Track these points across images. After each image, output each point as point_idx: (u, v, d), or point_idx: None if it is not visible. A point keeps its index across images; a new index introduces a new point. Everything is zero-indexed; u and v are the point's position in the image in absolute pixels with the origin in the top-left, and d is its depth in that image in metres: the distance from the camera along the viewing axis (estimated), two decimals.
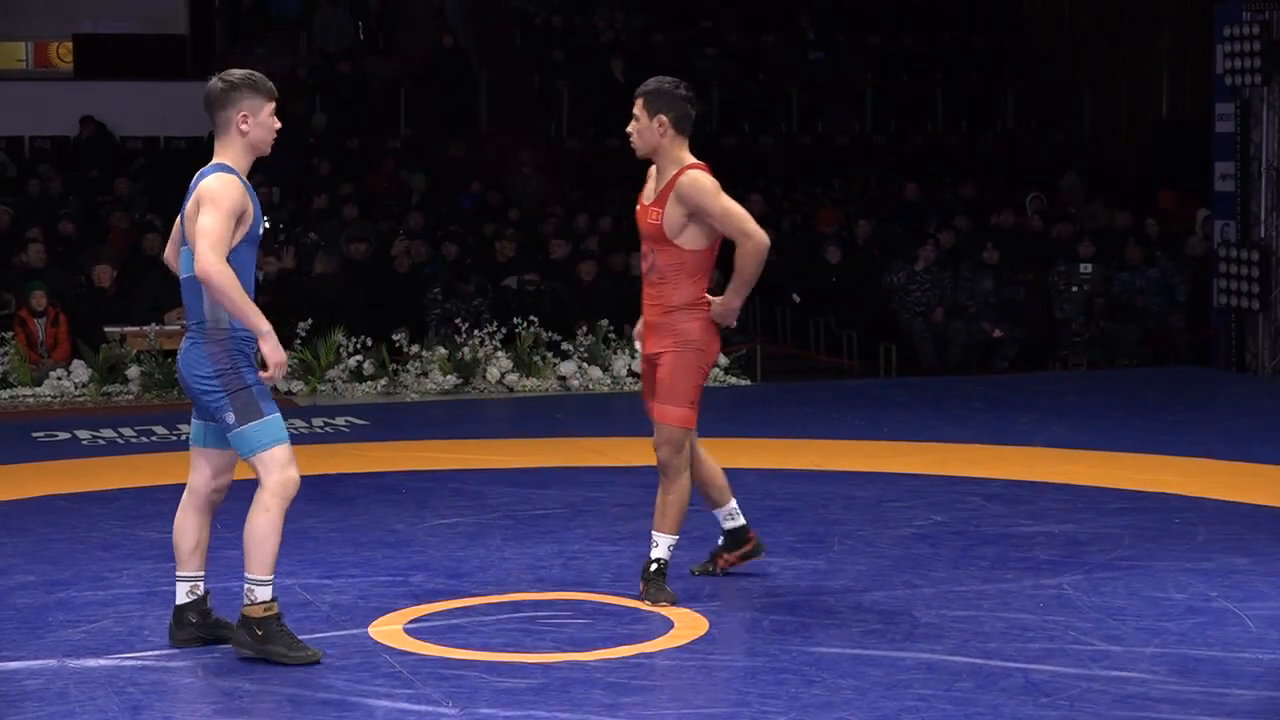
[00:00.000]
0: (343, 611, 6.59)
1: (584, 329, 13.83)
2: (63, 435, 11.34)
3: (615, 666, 5.91)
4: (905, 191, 18.59)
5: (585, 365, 13.68)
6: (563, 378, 13.59)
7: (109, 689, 5.70)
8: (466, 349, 13.49)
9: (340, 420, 11.90)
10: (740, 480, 9.37)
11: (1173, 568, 7.29)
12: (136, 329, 13.29)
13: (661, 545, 6.81)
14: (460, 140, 19.91)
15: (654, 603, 6.74)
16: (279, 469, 5.86)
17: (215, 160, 5.96)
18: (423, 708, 5.51)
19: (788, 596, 6.88)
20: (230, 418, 5.85)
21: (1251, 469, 9.71)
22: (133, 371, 12.99)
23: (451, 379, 13.34)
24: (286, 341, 12.30)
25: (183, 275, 5.96)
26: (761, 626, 6.45)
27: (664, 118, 6.72)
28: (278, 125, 6.03)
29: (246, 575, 5.89)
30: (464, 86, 20.25)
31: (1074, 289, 15.53)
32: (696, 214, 6.66)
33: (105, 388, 13.01)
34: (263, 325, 5.79)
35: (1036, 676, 5.77)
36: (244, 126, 5.94)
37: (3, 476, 9.80)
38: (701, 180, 6.68)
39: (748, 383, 14.04)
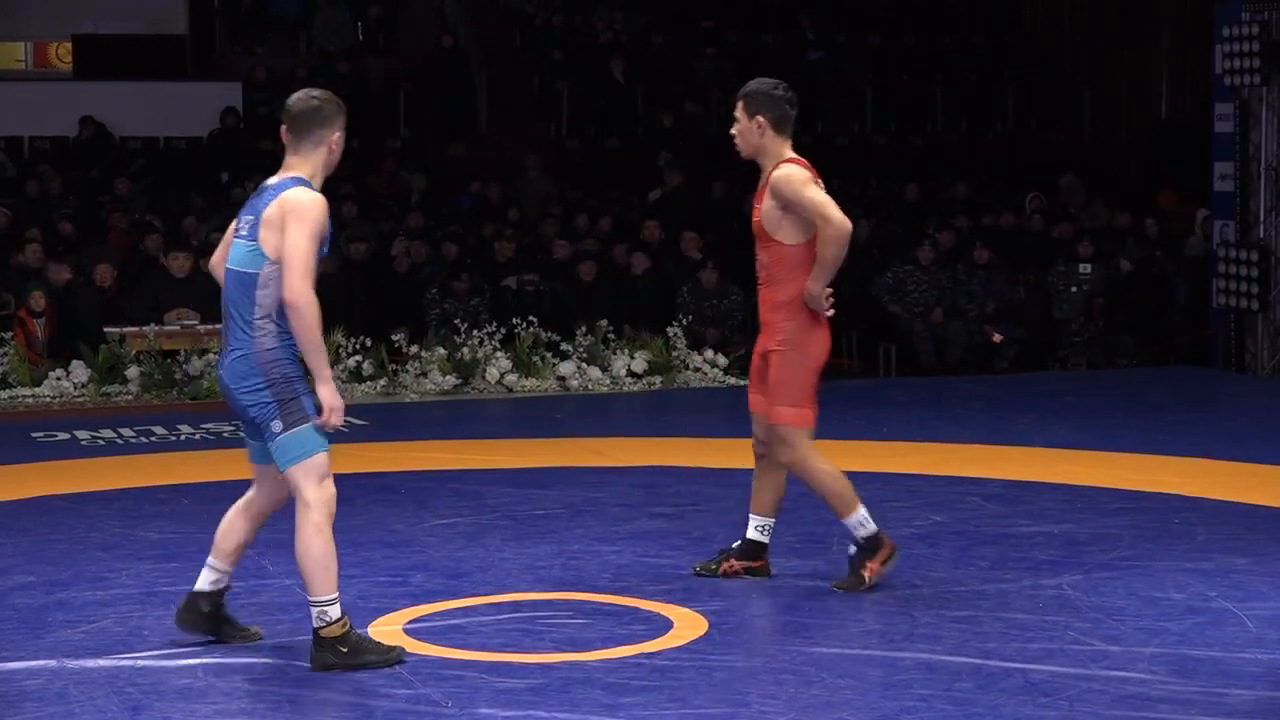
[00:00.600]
0: None
1: (583, 329, 13.83)
2: (62, 435, 11.34)
3: (615, 666, 5.91)
4: (905, 192, 18.59)
5: (584, 365, 13.68)
6: (562, 378, 13.58)
7: (109, 689, 5.70)
8: (466, 349, 13.49)
9: None
10: (741, 480, 9.38)
11: (1172, 568, 7.29)
12: (136, 329, 13.28)
13: (848, 530, 6.90)
14: (460, 140, 19.91)
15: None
16: (319, 483, 5.84)
17: (292, 173, 5.91)
18: (422, 708, 5.51)
19: (788, 596, 6.88)
20: (277, 425, 5.81)
21: (1250, 469, 9.71)
22: (132, 372, 12.98)
23: (451, 379, 13.34)
24: None
25: (239, 268, 5.87)
26: (761, 626, 6.46)
27: (762, 118, 6.87)
28: None
29: (313, 599, 5.86)
30: (464, 86, 20.25)
31: (1074, 289, 15.53)
32: (789, 206, 6.76)
33: (104, 388, 13.00)
34: (326, 370, 5.79)
35: (1036, 676, 5.77)
36: (335, 146, 5.97)
37: (3, 476, 9.80)
38: (792, 171, 6.81)
39: (748, 383, 14.01)
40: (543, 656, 6.04)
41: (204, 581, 6.16)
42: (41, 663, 6.02)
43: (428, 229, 16.46)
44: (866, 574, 6.85)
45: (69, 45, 22.01)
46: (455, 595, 6.93)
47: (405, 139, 19.91)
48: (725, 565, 7.17)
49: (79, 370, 13.09)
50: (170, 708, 5.53)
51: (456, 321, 13.89)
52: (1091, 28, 22.84)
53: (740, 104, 6.94)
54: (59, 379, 13.01)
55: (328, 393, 5.80)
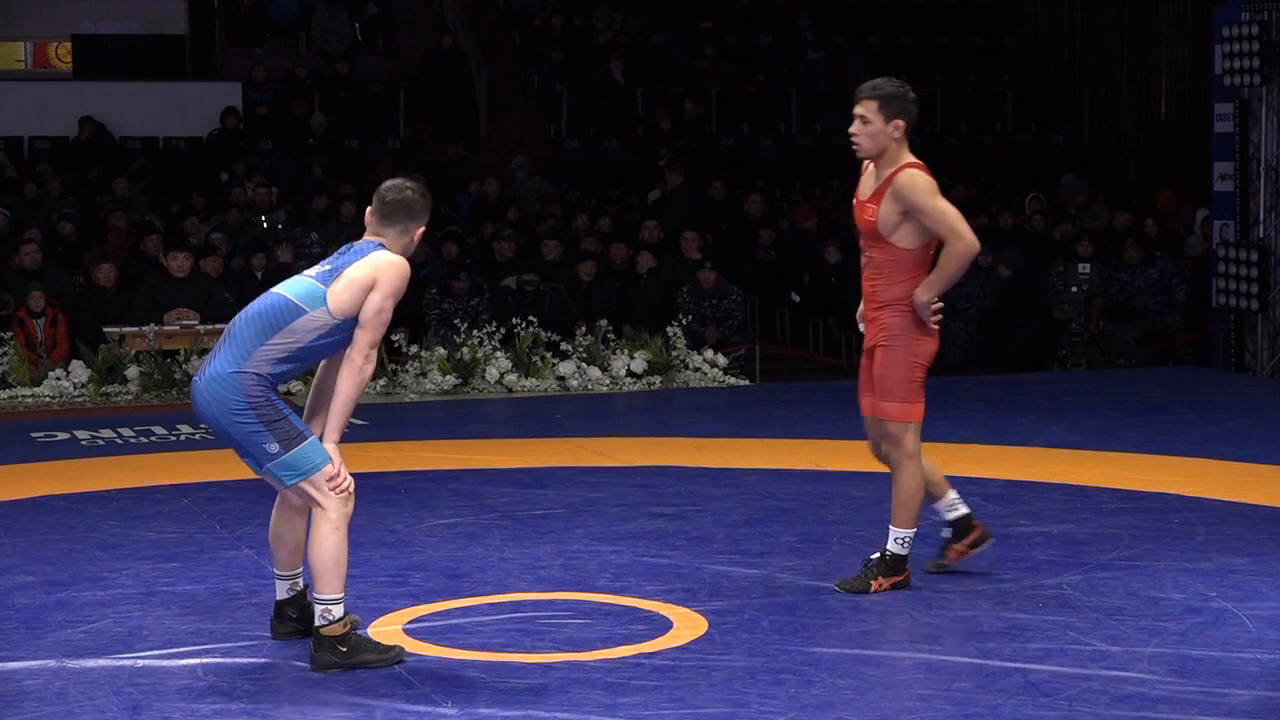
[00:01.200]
0: None
1: (583, 329, 13.83)
2: (62, 435, 11.33)
3: (614, 666, 5.91)
4: None
5: (584, 365, 13.68)
6: (561, 378, 13.58)
7: (108, 689, 5.70)
8: (465, 349, 13.49)
9: None
10: (740, 480, 9.40)
11: (1172, 568, 7.28)
12: (135, 329, 13.28)
13: (890, 538, 6.90)
14: (460, 140, 19.91)
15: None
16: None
17: (381, 239, 5.99)
18: (422, 708, 5.51)
19: (787, 596, 6.87)
20: (274, 447, 5.82)
21: (1251, 469, 9.70)
22: (132, 372, 12.98)
23: (450, 379, 13.34)
24: None
25: (289, 295, 5.87)
26: (761, 626, 6.45)
27: (900, 122, 6.81)
28: None
29: (318, 597, 5.87)
30: (463, 87, 20.26)
31: (1074, 289, 15.53)
32: (911, 211, 6.73)
33: (104, 388, 13.00)
34: (341, 431, 5.97)
35: (1036, 676, 5.77)
36: (417, 238, 6.08)
37: (2, 476, 9.79)
38: (919, 179, 6.77)
39: (747, 383, 14.04)
40: (543, 656, 6.04)
41: (280, 592, 6.24)
42: (41, 663, 6.01)
43: (427, 229, 16.43)
44: (874, 585, 6.85)
45: (69, 45, 22.03)
46: (455, 595, 6.93)
47: (404, 139, 19.91)
48: (951, 554, 7.14)
49: (79, 370, 13.10)
50: (170, 708, 5.53)
51: (456, 321, 13.89)
52: (1091, 28, 22.86)
53: (876, 104, 6.79)
54: (59, 379, 13.02)
55: (333, 451, 5.93)
